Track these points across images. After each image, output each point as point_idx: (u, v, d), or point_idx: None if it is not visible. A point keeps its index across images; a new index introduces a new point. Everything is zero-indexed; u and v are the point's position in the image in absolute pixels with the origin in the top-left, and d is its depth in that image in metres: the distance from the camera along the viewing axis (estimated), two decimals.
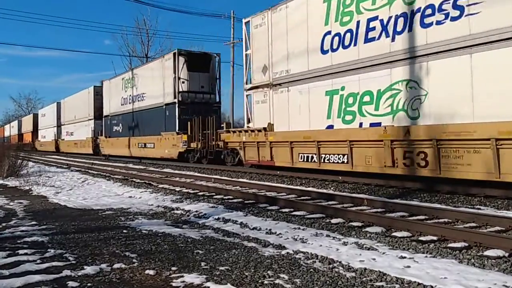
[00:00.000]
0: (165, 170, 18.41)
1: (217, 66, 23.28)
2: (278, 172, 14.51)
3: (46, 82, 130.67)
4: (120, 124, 29.44)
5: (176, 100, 21.99)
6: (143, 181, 14.01)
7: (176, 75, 22.01)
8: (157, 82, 23.91)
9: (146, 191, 11.62)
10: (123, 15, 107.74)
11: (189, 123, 20.69)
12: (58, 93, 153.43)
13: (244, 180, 13.45)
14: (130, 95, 27.64)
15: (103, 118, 32.17)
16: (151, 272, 4.47)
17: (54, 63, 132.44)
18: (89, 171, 19.47)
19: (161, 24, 77.89)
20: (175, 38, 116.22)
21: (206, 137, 19.68)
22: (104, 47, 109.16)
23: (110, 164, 23.11)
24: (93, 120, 34.23)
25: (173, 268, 4.58)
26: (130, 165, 22.03)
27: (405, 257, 4.86)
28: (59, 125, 44.04)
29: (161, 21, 73.27)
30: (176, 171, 17.35)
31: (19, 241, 5.90)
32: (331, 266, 4.61)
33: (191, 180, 14.03)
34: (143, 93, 25.93)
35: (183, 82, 22.25)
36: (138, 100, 26.49)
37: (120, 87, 29.29)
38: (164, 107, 23.19)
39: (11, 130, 73.99)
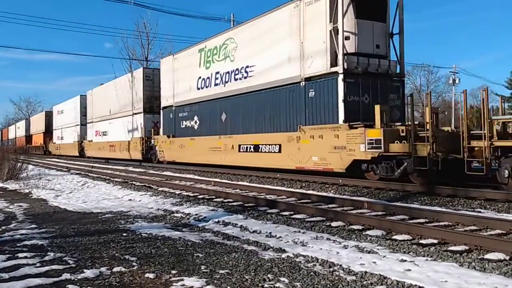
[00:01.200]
0: (165, 173, 18.40)
1: (397, 13, 13.83)
2: (278, 175, 14.50)
3: (46, 85, 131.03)
4: (196, 118, 20.49)
5: (339, 69, 12.78)
6: (143, 184, 14.00)
7: (341, 23, 12.78)
8: (287, 42, 14.76)
9: (146, 194, 11.60)
10: (123, 18, 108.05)
11: (380, 111, 11.51)
12: (58, 96, 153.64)
13: (244, 183, 13.44)
14: (218, 73, 18.76)
15: (162, 111, 23.61)
16: (151, 275, 4.45)
17: (55, 66, 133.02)
18: (89, 174, 19.45)
19: (161, 27, 78.00)
20: (175, 41, 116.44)
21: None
22: (105, 50, 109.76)
23: (110, 167, 23.11)
24: (141, 114, 26.31)
25: (173, 272, 4.57)
26: (130, 168, 22.01)
27: (405, 261, 4.85)
28: (83, 123, 37.64)
29: (161, 24, 73.26)
30: (176, 174, 17.34)
31: (18, 244, 5.88)
32: (331, 269, 4.59)
33: (191, 183, 14.01)
34: (248, 67, 16.82)
35: (347, 38, 12.98)
36: (239, 79, 17.41)
37: (196, 63, 20.41)
38: (303, 84, 14.07)
39: (16, 131, 67.41)
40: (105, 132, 32.51)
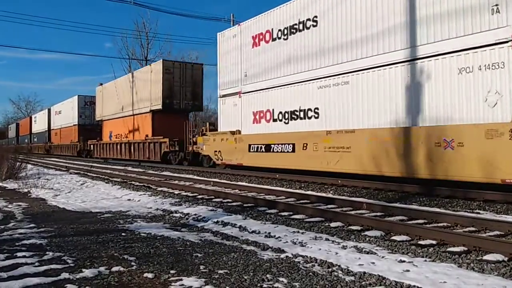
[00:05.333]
0: (164, 173, 18.40)
1: None
2: (277, 175, 14.51)
3: (46, 84, 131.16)
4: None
5: None
6: (142, 184, 14.00)
7: None
8: None
9: (145, 194, 11.60)
10: (123, 18, 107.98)
11: None
12: (57, 96, 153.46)
13: (243, 183, 13.44)
14: None
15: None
16: (150, 275, 4.45)
17: (54, 66, 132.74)
18: (88, 173, 19.44)
19: (160, 27, 78.01)
20: (175, 41, 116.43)
21: None
22: (105, 50, 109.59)
23: (109, 167, 23.10)
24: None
25: (172, 271, 4.57)
26: (129, 168, 22.01)
27: (404, 261, 4.86)
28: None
29: (161, 24, 73.21)
30: (175, 174, 17.34)
31: (17, 244, 5.88)
32: (330, 269, 4.60)
33: (190, 183, 14.01)
34: None
35: None
36: None
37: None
38: None
39: (52, 119, 47.05)
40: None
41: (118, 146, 29.53)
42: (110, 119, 31.95)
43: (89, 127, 38.16)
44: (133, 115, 27.60)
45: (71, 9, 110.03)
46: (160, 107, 24.14)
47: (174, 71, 24.39)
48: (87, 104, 38.95)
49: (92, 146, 34.92)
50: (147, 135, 25.26)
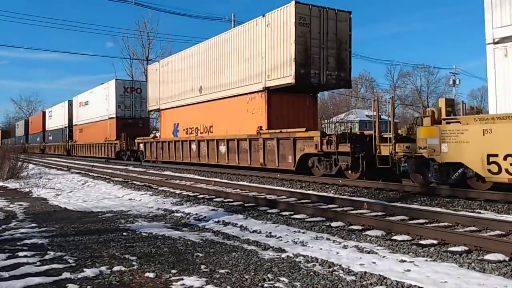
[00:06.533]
0: (165, 172, 18.41)
1: None
2: (278, 175, 14.50)
3: (47, 84, 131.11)
4: None
5: None
6: (143, 184, 14.00)
7: None
8: None
9: (146, 193, 11.60)
10: (124, 18, 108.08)
11: None
12: (58, 96, 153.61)
13: (244, 183, 13.44)
14: None
15: None
16: (151, 275, 4.46)
17: (56, 65, 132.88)
18: (89, 173, 19.46)
19: (161, 27, 77.91)
20: (176, 41, 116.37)
21: None
22: (106, 50, 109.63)
23: (110, 167, 23.10)
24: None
25: (173, 271, 4.58)
26: (130, 168, 22.01)
27: (405, 261, 4.86)
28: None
29: (162, 24, 73.03)
30: (176, 174, 17.35)
31: (19, 243, 5.89)
32: (331, 269, 4.60)
33: (191, 182, 14.02)
34: None
35: None
36: None
37: None
38: None
39: (75, 112, 38.96)
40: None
41: (194, 146, 20.54)
42: (175, 107, 22.82)
43: (131, 120, 30.43)
44: (224, 98, 18.61)
45: (72, 9, 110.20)
46: (290, 80, 14.94)
47: (312, 22, 15.22)
48: (127, 91, 30.59)
49: (141, 145, 26.03)
50: (261, 127, 16.07)
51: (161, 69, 24.53)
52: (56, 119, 44.78)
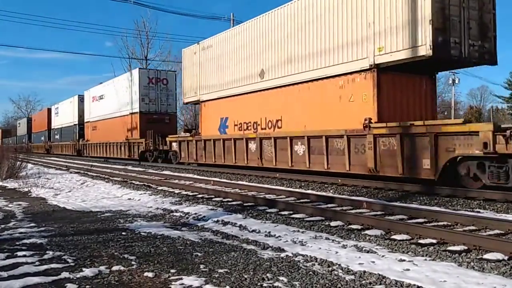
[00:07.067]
0: (164, 172, 18.40)
1: None
2: (277, 174, 14.50)
3: (46, 84, 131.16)
4: None
5: None
6: (142, 183, 13.99)
7: None
8: None
9: (145, 193, 11.60)
10: (123, 17, 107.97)
11: None
12: (57, 95, 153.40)
13: (243, 182, 13.44)
14: None
15: None
16: (150, 274, 4.45)
17: (54, 65, 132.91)
18: (88, 173, 19.44)
19: (160, 27, 77.84)
20: (175, 41, 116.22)
21: None
22: (105, 49, 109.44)
23: (109, 166, 23.09)
24: None
25: (172, 271, 4.57)
26: (129, 167, 21.99)
27: (404, 260, 4.86)
28: None
29: (160, 23, 73.08)
30: (175, 174, 17.34)
31: (17, 243, 5.88)
32: (330, 269, 4.60)
33: (190, 182, 14.01)
34: None
35: None
36: None
37: None
38: None
39: (87, 108, 35.26)
40: None
41: (253, 145, 16.42)
42: (223, 97, 18.69)
43: (156, 116, 26.50)
44: (301, 83, 14.46)
45: (71, 9, 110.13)
46: (423, 53, 10.63)
47: None
48: (152, 82, 26.57)
49: (174, 144, 22.00)
50: (369, 119, 11.69)
51: (202, 52, 19.98)
52: (64, 116, 41.08)
